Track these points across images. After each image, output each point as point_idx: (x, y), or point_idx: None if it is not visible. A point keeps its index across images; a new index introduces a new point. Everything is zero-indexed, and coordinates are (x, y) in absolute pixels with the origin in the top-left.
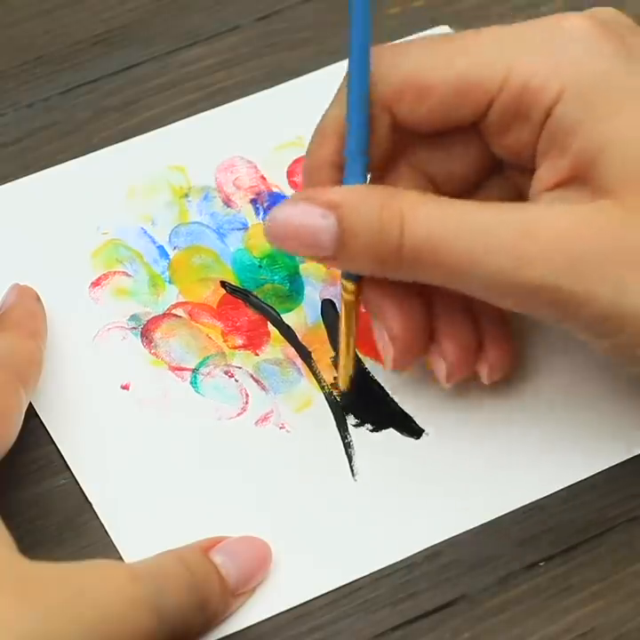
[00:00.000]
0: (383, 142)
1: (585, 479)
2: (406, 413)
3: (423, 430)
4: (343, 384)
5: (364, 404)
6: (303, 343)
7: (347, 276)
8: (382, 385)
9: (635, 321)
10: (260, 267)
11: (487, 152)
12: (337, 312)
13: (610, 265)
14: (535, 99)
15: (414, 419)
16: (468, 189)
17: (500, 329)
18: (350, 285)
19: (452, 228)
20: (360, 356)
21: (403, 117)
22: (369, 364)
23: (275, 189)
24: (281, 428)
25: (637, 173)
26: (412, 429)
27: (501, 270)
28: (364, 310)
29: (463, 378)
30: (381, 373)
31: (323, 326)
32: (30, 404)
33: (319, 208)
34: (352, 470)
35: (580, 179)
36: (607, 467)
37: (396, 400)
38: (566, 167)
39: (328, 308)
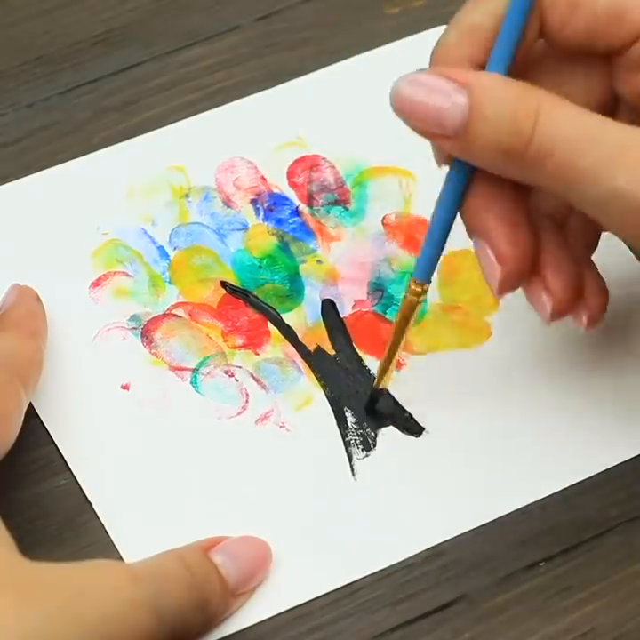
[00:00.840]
0: (526, 48)
1: (585, 479)
2: (406, 411)
3: (423, 428)
4: (384, 383)
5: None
6: (303, 342)
7: (419, 277)
8: (391, 392)
9: None
10: (259, 267)
11: (610, 90)
12: (336, 312)
13: None
14: None
15: (415, 418)
16: None
17: (599, 280)
18: (419, 287)
19: (588, 134)
20: (360, 353)
21: (548, 29)
22: (369, 361)
23: (275, 190)
24: (281, 426)
25: None
26: (412, 428)
27: (632, 188)
28: (468, 243)
29: (564, 317)
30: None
31: (323, 326)
32: (30, 403)
33: (451, 83)
34: (352, 470)
35: None
36: (607, 467)
37: (396, 398)
38: None
39: (328, 307)
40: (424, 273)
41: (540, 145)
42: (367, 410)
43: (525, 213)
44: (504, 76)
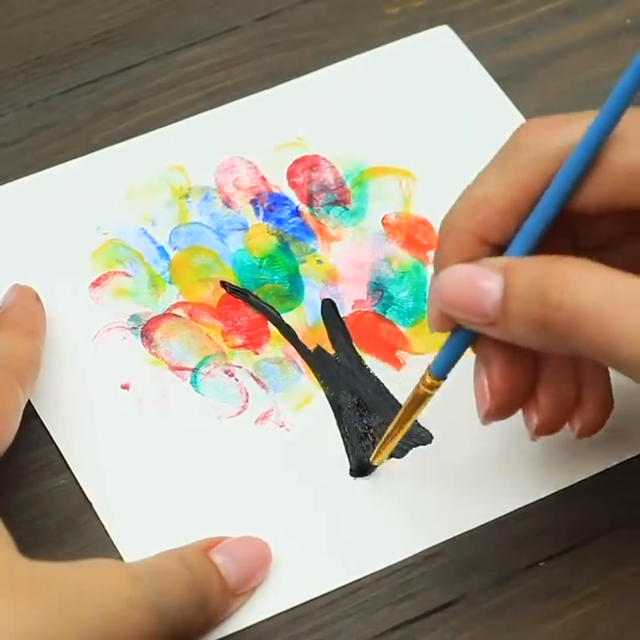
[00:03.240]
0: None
1: (585, 479)
2: (421, 427)
3: (432, 437)
4: (377, 460)
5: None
6: (303, 342)
7: (436, 373)
8: (391, 392)
9: None
10: (259, 267)
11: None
12: (336, 312)
13: None
14: None
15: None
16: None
17: (601, 389)
18: (435, 382)
19: (623, 298)
20: (360, 353)
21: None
22: (369, 361)
23: (275, 190)
24: (281, 426)
25: None
26: (421, 437)
27: None
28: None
29: (552, 433)
30: (382, 373)
31: (323, 325)
32: (30, 403)
33: (488, 271)
34: (352, 468)
35: None
36: (607, 467)
37: (401, 402)
38: None
39: (328, 307)
40: (441, 370)
41: (572, 311)
42: (352, 474)
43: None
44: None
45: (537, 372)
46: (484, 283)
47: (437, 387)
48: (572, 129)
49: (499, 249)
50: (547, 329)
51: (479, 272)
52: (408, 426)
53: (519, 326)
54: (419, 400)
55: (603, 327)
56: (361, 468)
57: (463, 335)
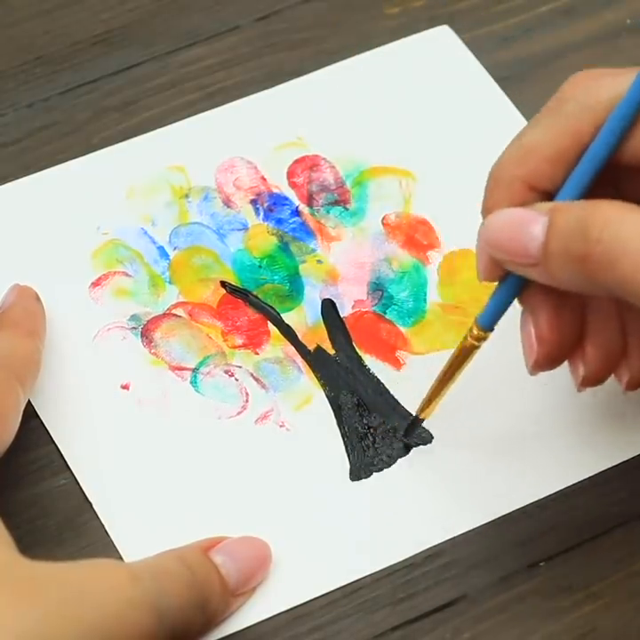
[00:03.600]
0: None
1: (585, 479)
2: (417, 419)
3: (433, 437)
4: (426, 414)
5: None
6: (303, 342)
7: (483, 323)
8: (391, 392)
9: None
10: (259, 267)
11: None
12: (336, 312)
13: None
14: None
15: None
16: None
17: None
18: (481, 333)
19: None
20: (360, 353)
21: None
22: (369, 361)
23: (275, 190)
24: (281, 426)
25: None
26: (421, 437)
27: None
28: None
29: (599, 384)
30: (382, 373)
31: (323, 325)
32: (30, 403)
33: (535, 213)
34: (352, 469)
35: None
36: (607, 467)
37: (396, 398)
38: None
39: (328, 307)
40: (489, 321)
41: (610, 247)
42: (406, 435)
43: (577, 295)
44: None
45: (584, 322)
46: (530, 224)
47: (485, 339)
48: (620, 81)
49: (547, 196)
50: (586, 266)
51: (526, 214)
52: (456, 380)
53: (560, 265)
54: (466, 353)
55: (638, 264)
56: (412, 424)
57: (510, 285)
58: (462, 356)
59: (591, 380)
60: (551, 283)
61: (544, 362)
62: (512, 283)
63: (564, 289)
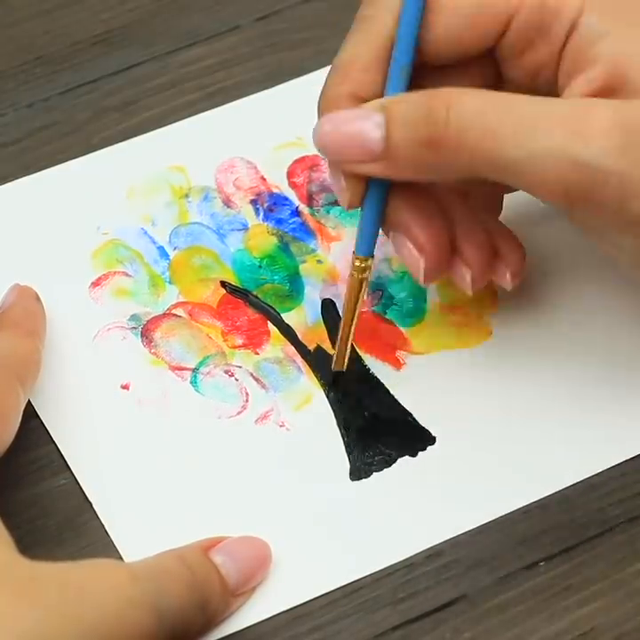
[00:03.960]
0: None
1: (585, 479)
2: (422, 427)
3: (435, 438)
4: (339, 365)
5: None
6: (303, 342)
7: (362, 253)
8: (391, 392)
9: None
10: (259, 267)
11: (499, 80)
12: (336, 311)
13: None
14: (557, 12)
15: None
16: None
17: (512, 240)
18: (361, 262)
19: (502, 107)
20: (360, 353)
21: (426, 45)
22: (369, 361)
23: (275, 190)
24: (281, 426)
25: None
26: (424, 439)
27: (553, 147)
28: (389, 238)
29: (485, 283)
30: (382, 373)
31: (323, 325)
32: (30, 403)
33: (366, 110)
34: (352, 469)
35: (611, 89)
36: (607, 467)
37: (396, 397)
38: (598, 79)
39: (328, 307)
40: (365, 248)
41: (458, 124)
42: (331, 388)
43: (435, 200)
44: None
45: (453, 228)
46: (365, 120)
47: (368, 268)
48: None
49: None
50: (435, 149)
51: (358, 111)
52: (355, 321)
53: (406, 154)
54: (357, 288)
55: (488, 133)
56: (333, 381)
57: (374, 204)
58: (355, 294)
59: (477, 281)
60: (396, 176)
61: (432, 271)
62: (374, 202)
63: (410, 179)
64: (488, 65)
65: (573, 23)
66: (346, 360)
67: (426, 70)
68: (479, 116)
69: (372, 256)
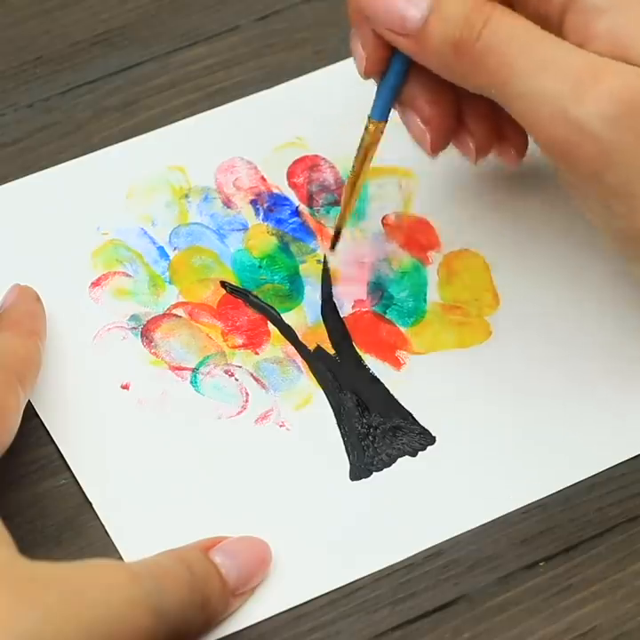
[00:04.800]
0: None
1: (585, 479)
2: (422, 427)
3: (435, 438)
4: (342, 221)
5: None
6: (303, 342)
7: (377, 117)
8: (391, 392)
9: None
10: (259, 267)
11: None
12: (336, 311)
13: None
14: None
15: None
16: None
17: (518, 126)
18: (374, 126)
19: (531, 40)
20: (360, 353)
21: None
22: (369, 361)
23: (275, 190)
24: (281, 426)
25: None
26: (424, 439)
27: (553, 95)
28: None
29: (488, 154)
30: (382, 373)
31: (323, 325)
32: (30, 403)
33: None
34: (352, 468)
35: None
36: (607, 467)
37: (396, 397)
38: (599, 53)
39: (329, 307)
40: (380, 112)
41: (487, 41)
42: (332, 247)
43: (447, 82)
44: None
45: (460, 102)
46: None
47: (382, 130)
48: None
49: None
50: (460, 56)
51: None
52: (363, 177)
53: (435, 46)
54: (369, 148)
55: (507, 61)
56: (336, 235)
57: (393, 75)
58: (366, 153)
59: (481, 151)
60: (419, 60)
61: (438, 141)
62: (394, 73)
63: (430, 68)
64: None
65: None
66: (348, 217)
67: None
68: (506, 43)
69: (386, 121)
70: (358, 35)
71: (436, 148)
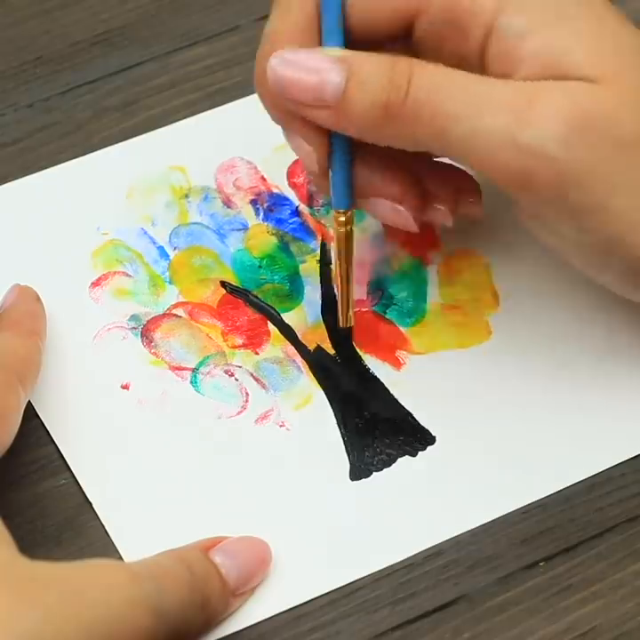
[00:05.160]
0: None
1: (585, 479)
2: (422, 427)
3: (435, 438)
4: (345, 321)
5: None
6: (303, 342)
7: (337, 205)
8: (391, 392)
9: (620, 220)
10: (259, 267)
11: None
12: (336, 311)
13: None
14: (471, 13)
15: (421, 423)
16: None
17: (465, 174)
18: (342, 216)
19: (459, 84)
20: (360, 353)
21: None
22: (369, 360)
23: (275, 190)
24: (281, 426)
25: (613, 61)
26: (425, 439)
27: (497, 128)
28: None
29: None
30: (382, 373)
31: (323, 325)
32: (30, 404)
33: (328, 58)
34: (352, 468)
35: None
36: (607, 467)
37: (400, 402)
38: (533, 77)
39: (328, 308)
40: (344, 201)
41: (416, 96)
42: (339, 345)
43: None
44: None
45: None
46: (324, 64)
47: (350, 219)
48: None
49: None
50: (390, 118)
51: (319, 55)
52: (353, 275)
53: (361, 113)
54: (345, 240)
55: (441, 110)
56: (344, 336)
57: (342, 157)
58: (345, 245)
59: (453, 211)
60: (346, 131)
61: (418, 219)
62: (339, 153)
63: (358, 137)
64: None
65: (489, 26)
66: (352, 315)
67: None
68: (435, 93)
69: (351, 208)
70: (293, 132)
71: (419, 225)
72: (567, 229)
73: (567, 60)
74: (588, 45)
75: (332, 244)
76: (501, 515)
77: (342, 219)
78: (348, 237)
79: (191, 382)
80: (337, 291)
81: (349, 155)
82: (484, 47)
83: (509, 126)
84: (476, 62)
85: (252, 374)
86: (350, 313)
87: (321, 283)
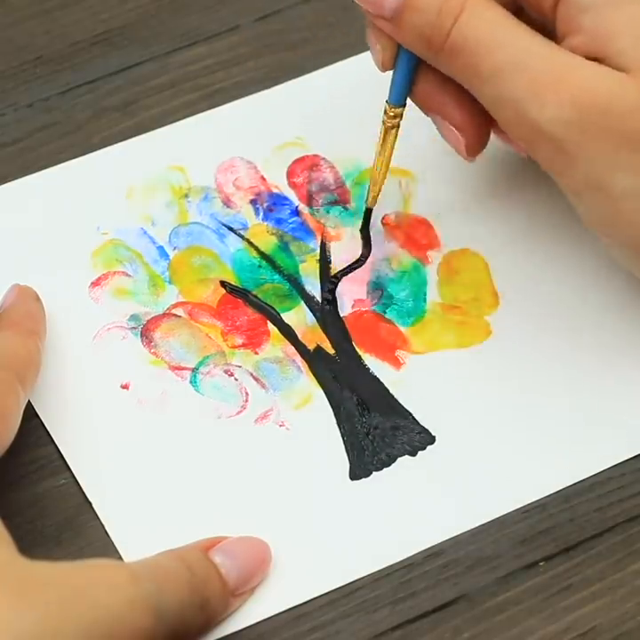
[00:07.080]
0: None
1: (585, 479)
2: (422, 427)
3: (435, 438)
4: (372, 201)
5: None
6: (303, 341)
7: (395, 102)
8: (390, 392)
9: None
10: (259, 267)
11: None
12: (337, 312)
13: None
14: None
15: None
16: None
17: None
18: (393, 111)
19: (500, 38)
20: (360, 353)
21: None
22: (368, 360)
23: (274, 190)
24: (280, 425)
25: None
26: (424, 439)
27: (516, 98)
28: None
29: None
30: (382, 373)
31: (323, 325)
32: (30, 404)
33: None
34: (352, 468)
35: (593, 60)
36: (607, 467)
37: (400, 402)
38: (580, 48)
39: (328, 307)
40: (397, 98)
41: (454, 43)
42: (362, 230)
43: None
44: None
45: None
46: None
47: (401, 114)
48: None
49: None
50: (433, 51)
51: None
52: (388, 163)
53: (410, 37)
54: (391, 133)
55: (474, 64)
56: (366, 216)
57: (405, 63)
58: (389, 138)
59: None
60: (400, 42)
61: (473, 146)
62: (405, 61)
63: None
64: None
65: None
66: (377, 197)
67: None
68: (474, 43)
69: (404, 105)
70: (371, 29)
71: (472, 153)
72: (572, 197)
73: (611, 44)
74: (634, 34)
75: (378, 136)
76: (501, 514)
77: (392, 113)
78: (395, 130)
79: (191, 382)
80: (373, 176)
81: (410, 61)
82: (555, 3)
83: (526, 99)
84: (549, 14)
85: (251, 374)
86: (378, 196)
87: (321, 283)
